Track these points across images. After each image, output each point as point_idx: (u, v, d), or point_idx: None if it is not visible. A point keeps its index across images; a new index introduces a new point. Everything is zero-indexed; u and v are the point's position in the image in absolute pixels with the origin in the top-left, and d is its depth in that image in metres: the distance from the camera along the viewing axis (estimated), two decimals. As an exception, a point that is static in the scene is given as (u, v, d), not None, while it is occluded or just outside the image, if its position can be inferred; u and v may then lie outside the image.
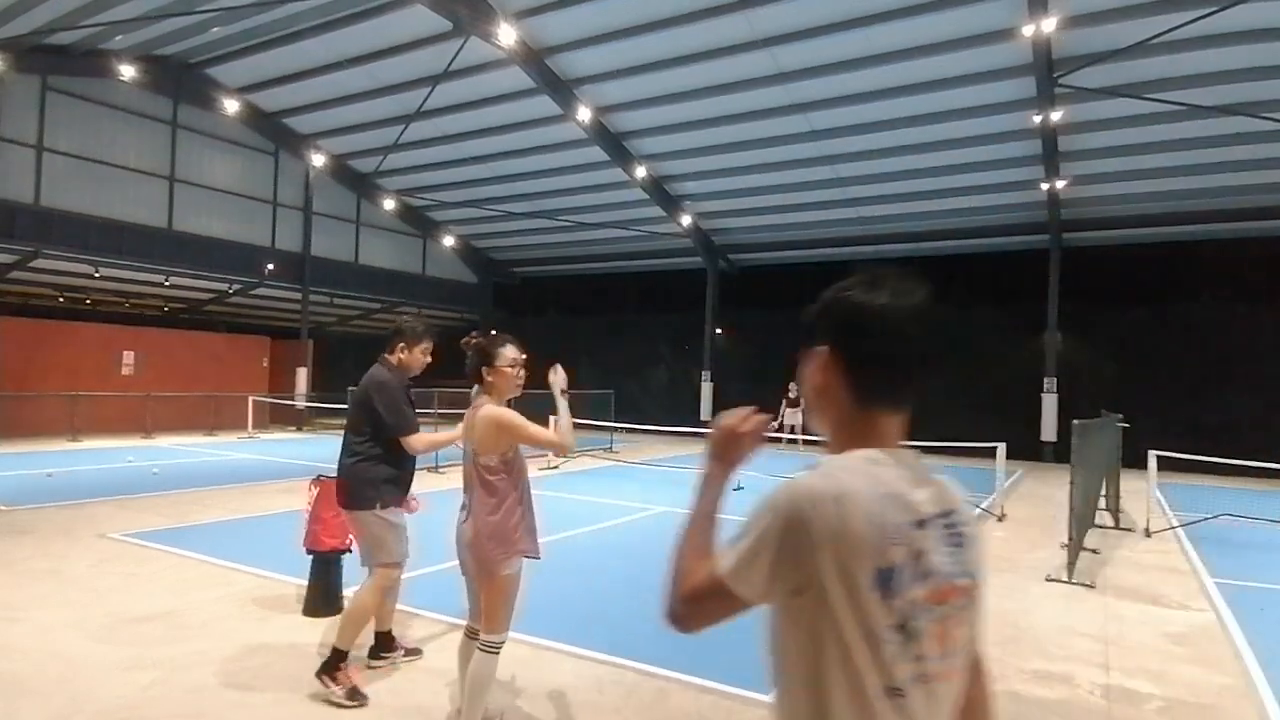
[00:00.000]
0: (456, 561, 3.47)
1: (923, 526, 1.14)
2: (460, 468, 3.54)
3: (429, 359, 4.31)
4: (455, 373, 3.50)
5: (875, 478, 1.14)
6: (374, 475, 4.05)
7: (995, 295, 20.07)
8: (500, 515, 3.30)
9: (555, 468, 13.90)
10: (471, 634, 3.46)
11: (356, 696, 3.82)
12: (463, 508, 3.42)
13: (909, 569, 1.11)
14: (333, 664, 3.88)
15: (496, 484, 3.32)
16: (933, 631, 1.13)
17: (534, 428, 3.40)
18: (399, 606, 5.32)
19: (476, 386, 3.48)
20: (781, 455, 17.37)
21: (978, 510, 10.23)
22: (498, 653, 3.32)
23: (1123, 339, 18.16)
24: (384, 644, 4.40)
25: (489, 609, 3.33)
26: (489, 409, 3.34)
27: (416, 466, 4.39)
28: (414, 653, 4.52)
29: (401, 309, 26.35)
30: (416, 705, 3.90)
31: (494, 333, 3.62)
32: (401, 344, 4.22)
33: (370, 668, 4.27)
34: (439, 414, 14.43)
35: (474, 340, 3.51)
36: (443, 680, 4.13)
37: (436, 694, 4.02)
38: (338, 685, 3.83)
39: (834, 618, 1.09)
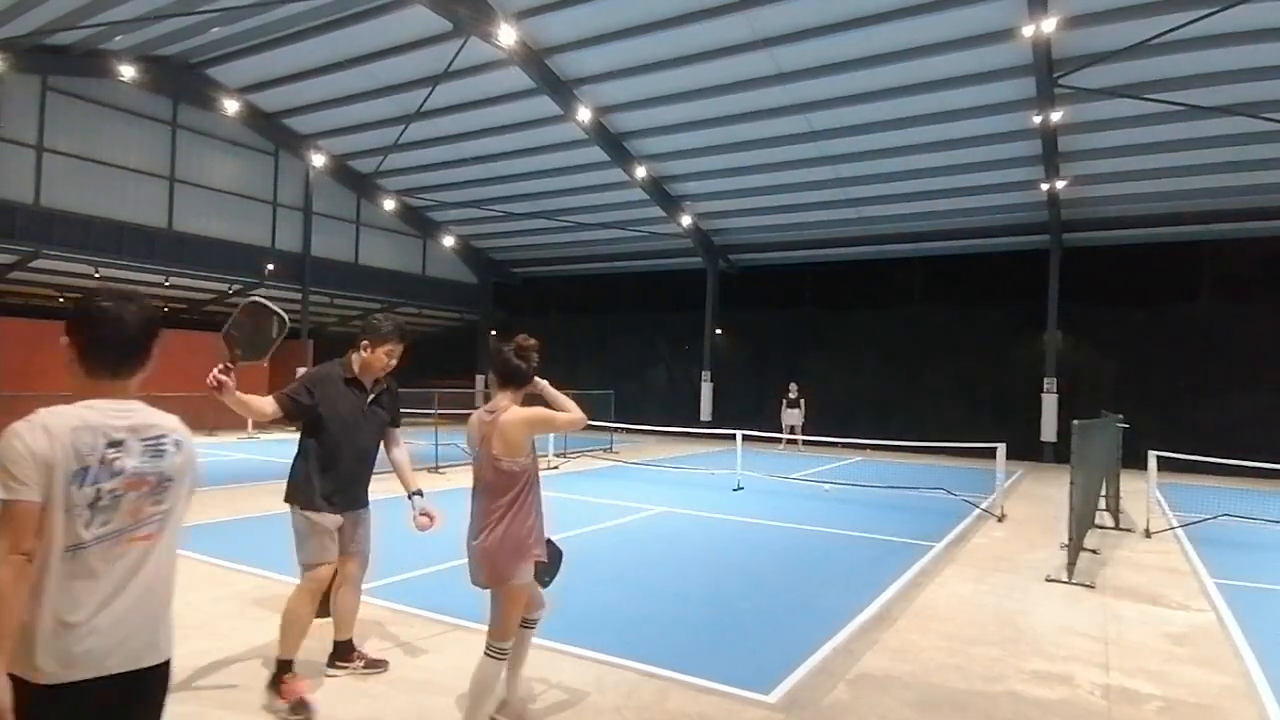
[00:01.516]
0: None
1: (117, 445, 1.79)
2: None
3: (394, 361, 4.05)
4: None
5: (79, 417, 1.77)
6: (297, 472, 3.95)
7: (995, 295, 20.07)
8: (517, 523, 3.29)
9: (555, 468, 13.90)
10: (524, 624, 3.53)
11: (301, 709, 3.64)
12: (474, 518, 3.37)
13: (100, 470, 1.75)
14: (277, 676, 3.77)
15: (520, 488, 3.31)
16: (126, 508, 1.80)
17: (559, 415, 3.43)
18: (398, 607, 5.33)
19: (500, 391, 3.42)
20: (782, 455, 17.38)
21: (978, 510, 10.25)
22: (503, 659, 3.32)
23: (1123, 339, 18.17)
24: (341, 653, 4.22)
25: (500, 616, 3.33)
26: (517, 411, 3.33)
27: (374, 469, 4.17)
28: (377, 665, 4.26)
29: (402, 309, 26.36)
30: (380, 696, 3.90)
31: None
32: (365, 342, 3.99)
33: (328, 676, 4.15)
34: (439, 414, 14.44)
35: (533, 344, 3.47)
36: (408, 690, 4.12)
37: (402, 703, 4.01)
38: (282, 699, 3.69)
39: (46, 506, 1.70)
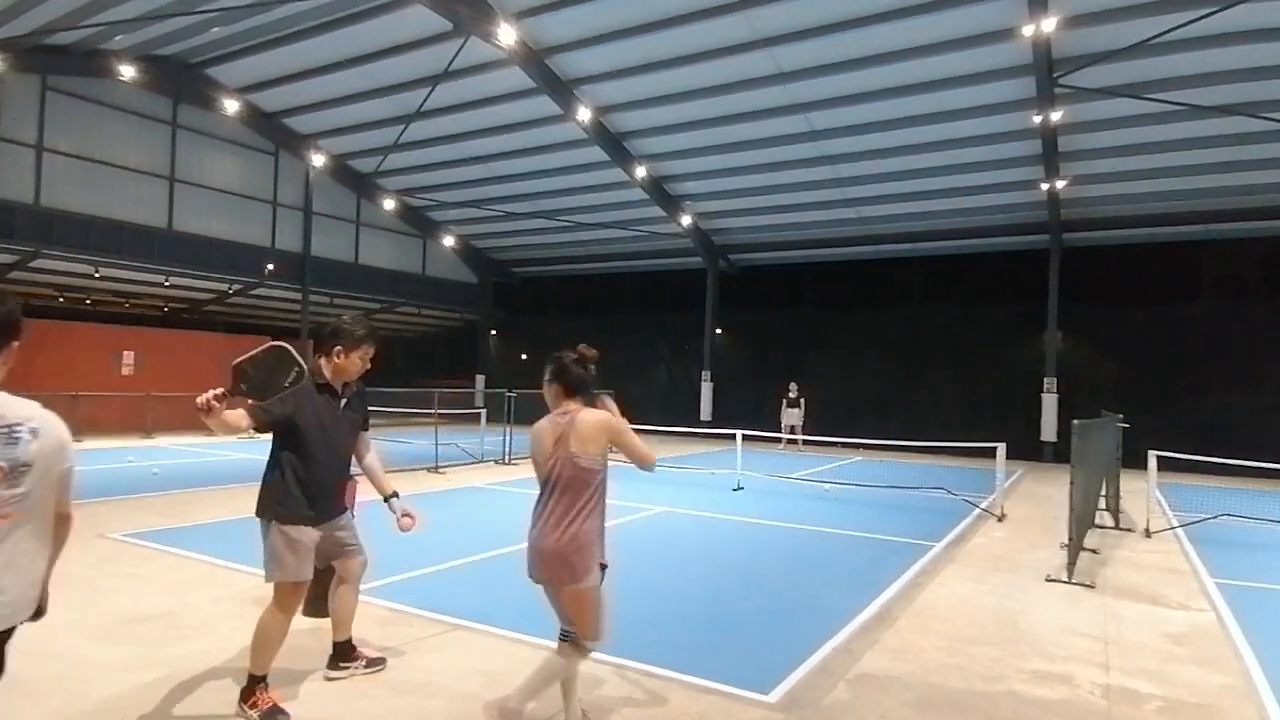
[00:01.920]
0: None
1: None
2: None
3: (368, 365, 4.01)
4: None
5: None
6: (272, 484, 3.80)
7: (995, 295, 20.08)
8: (590, 523, 3.32)
9: (555, 468, 13.86)
10: (562, 634, 3.48)
11: (275, 716, 3.62)
12: (542, 517, 3.35)
13: None
14: (248, 690, 3.69)
15: (595, 489, 3.33)
16: None
17: (634, 438, 3.40)
18: (398, 607, 5.33)
19: (565, 400, 3.43)
20: (782, 455, 17.38)
21: (978, 510, 10.24)
22: (585, 657, 3.33)
23: (1123, 339, 18.18)
24: (343, 654, 4.16)
25: (579, 619, 3.34)
26: (593, 411, 3.38)
27: (351, 476, 4.11)
28: (376, 663, 4.25)
29: (401, 309, 26.38)
30: (380, 695, 3.90)
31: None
32: (338, 347, 3.88)
33: (329, 679, 4.10)
34: (439, 414, 14.43)
35: (594, 353, 3.51)
36: (408, 690, 4.11)
37: (388, 705, 4.01)
38: (254, 710, 3.62)
39: None
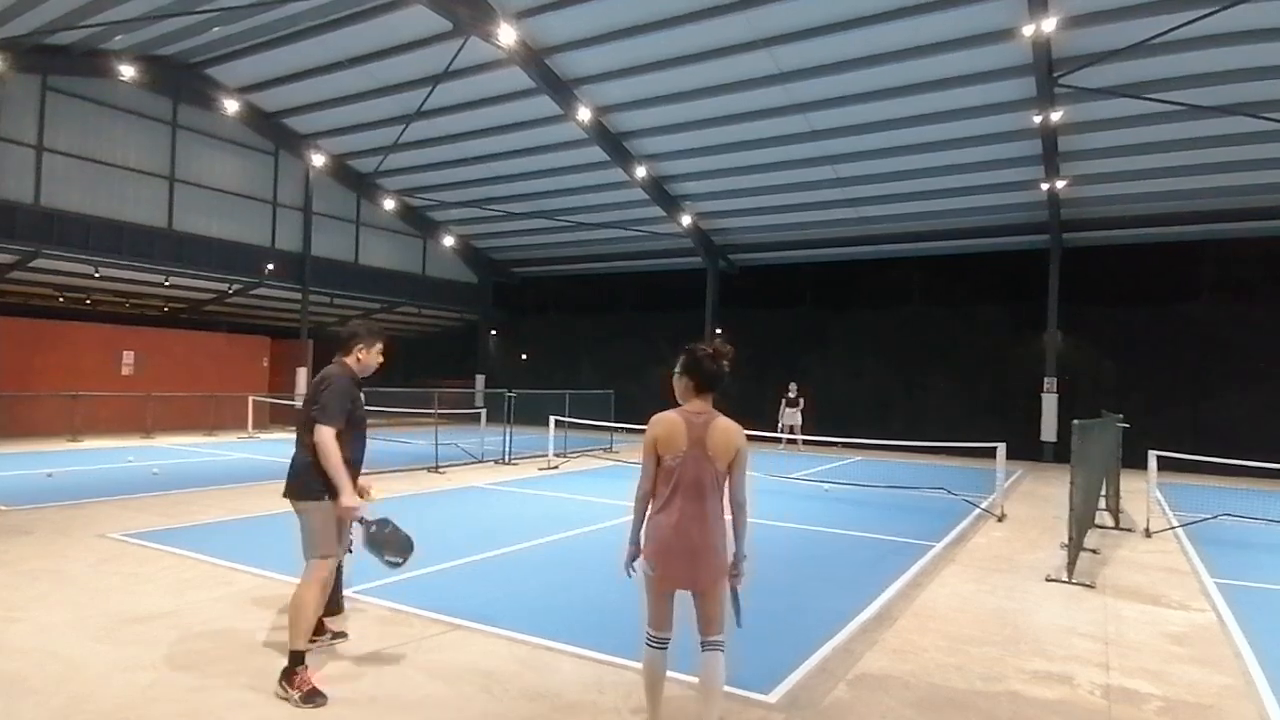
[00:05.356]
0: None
1: None
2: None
3: (381, 359, 4.52)
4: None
5: None
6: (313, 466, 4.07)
7: (995, 295, 20.09)
8: (722, 523, 3.33)
9: (555, 468, 13.89)
10: (659, 644, 3.41)
11: (314, 698, 3.78)
12: (682, 518, 3.27)
13: None
14: (291, 668, 3.87)
15: (720, 492, 3.34)
16: None
17: (747, 472, 3.42)
18: (398, 607, 5.34)
19: (696, 396, 3.46)
20: (781, 454, 17.37)
21: (978, 510, 10.23)
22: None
23: (1123, 339, 18.18)
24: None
25: (717, 613, 3.37)
26: (732, 425, 3.38)
27: (364, 461, 4.42)
28: (340, 636, 4.59)
29: (401, 309, 26.38)
30: (380, 696, 3.90)
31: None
32: (360, 345, 4.37)
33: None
34: (439, 414, 14.44)
35: (729, 349, 3.51)
36: (407, 689, 4.12)
37: (397, 685, 4.02)
38: (294, 689, 3.80)
39: None
